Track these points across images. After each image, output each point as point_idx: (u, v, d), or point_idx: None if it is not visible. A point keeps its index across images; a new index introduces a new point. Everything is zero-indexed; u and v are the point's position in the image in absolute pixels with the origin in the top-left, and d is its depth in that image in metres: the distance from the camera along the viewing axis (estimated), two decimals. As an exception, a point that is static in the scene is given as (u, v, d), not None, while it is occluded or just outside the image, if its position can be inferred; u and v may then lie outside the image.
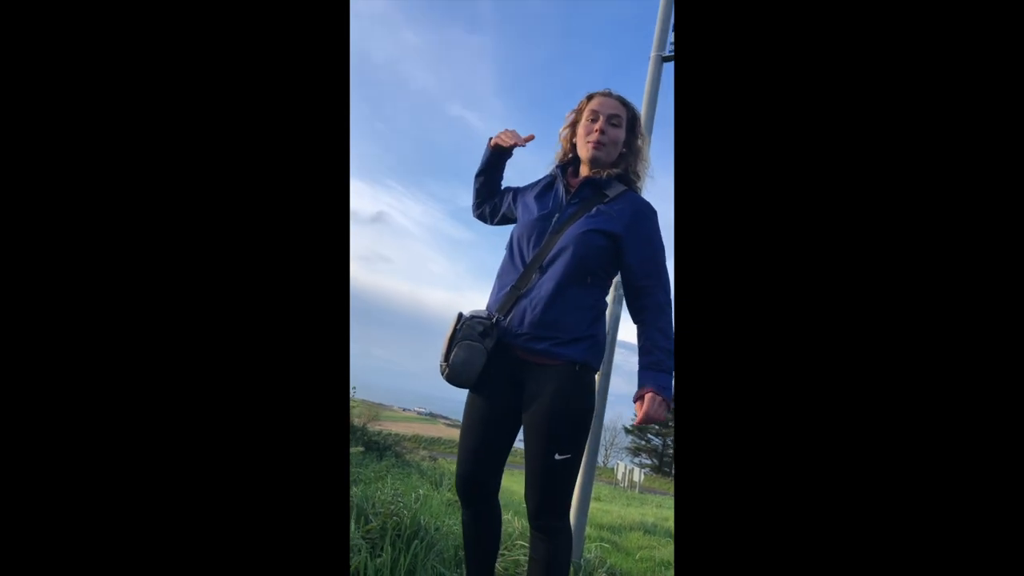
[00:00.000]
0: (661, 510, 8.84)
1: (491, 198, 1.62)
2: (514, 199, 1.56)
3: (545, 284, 1.33)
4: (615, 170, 1.43)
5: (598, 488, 13.95)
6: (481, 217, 1.64)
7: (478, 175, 1.60)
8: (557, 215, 1.40)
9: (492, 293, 1.43)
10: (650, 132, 2.91)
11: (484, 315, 1.37)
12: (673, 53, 3.04)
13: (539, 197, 1.48)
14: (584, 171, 1.46)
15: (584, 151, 1.43)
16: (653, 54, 3.07)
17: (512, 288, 1.36)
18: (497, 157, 1.56)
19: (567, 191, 1.44)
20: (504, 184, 1.63)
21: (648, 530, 5.67)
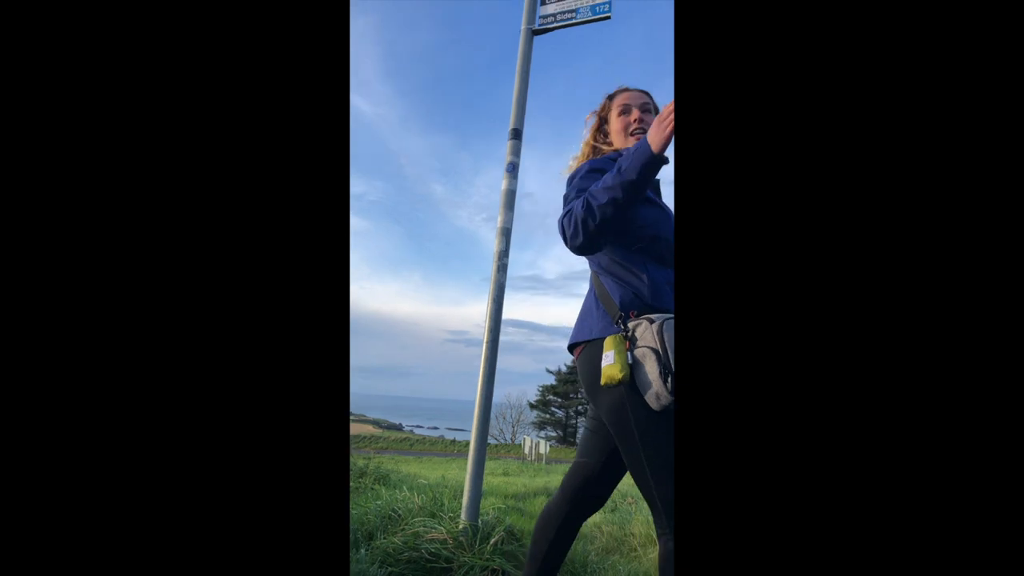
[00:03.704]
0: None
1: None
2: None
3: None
4: None
5: (507, 464, 14.25)
6: (596, 247, 1.19)
7: (627, 197, 1.09)
8: (664, 208, 1.33)
9: (659, 294, 1.21)
10: (523, 107, 2.98)
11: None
12: (542, 26, 3.10)
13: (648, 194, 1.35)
14: None
15: (630, 144, 1.35)
16: (523, 27, 3.12)
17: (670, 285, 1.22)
18: (657, 166, 1.09)
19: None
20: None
21: (551, 494, 5.90)
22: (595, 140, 1.42)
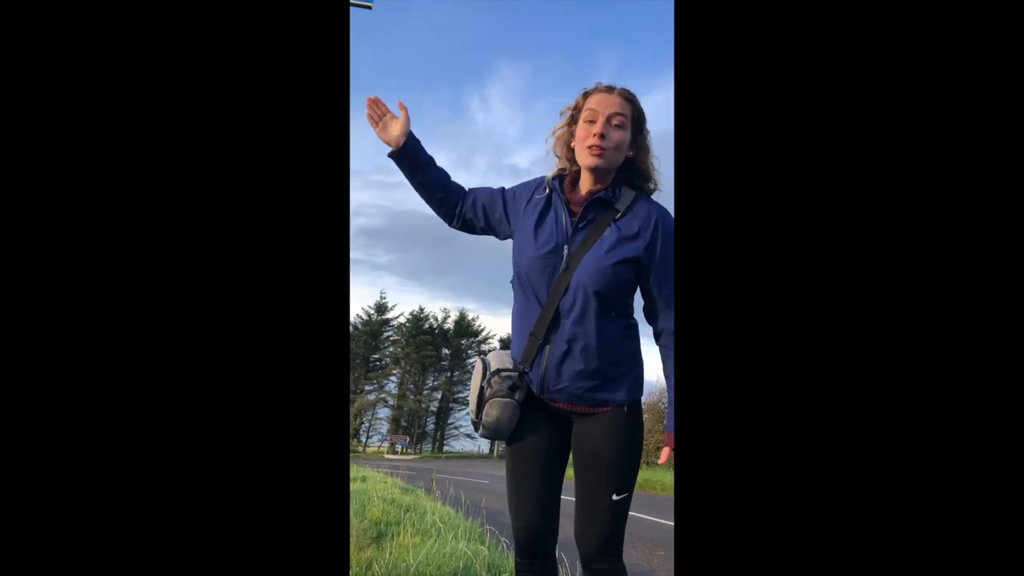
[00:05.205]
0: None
1: (452, 198, 1.39)
2: (507, 213, 1.34)
3: (569, 331, 1.21)
4: (619, 178, 1.26)
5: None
6: (466, 227, 1.41)
7: (417, 190, 1.38)
8: (566, 247, 1.23)
9: (514, 337, 1.31)
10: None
11: (511, 368, 1.28)
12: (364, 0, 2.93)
13: (540, 223, 1.27)
14: (586, 181, 1.26)
15: (583, 158, 1.22)
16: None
17: (532, 336, 1.25)
18: (403, 159, 1.34)
19: (570, 212, 1.25)
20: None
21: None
22: (568, 137, 1.29)
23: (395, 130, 1.30)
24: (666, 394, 1.29)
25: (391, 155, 1.32)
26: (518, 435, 1.27)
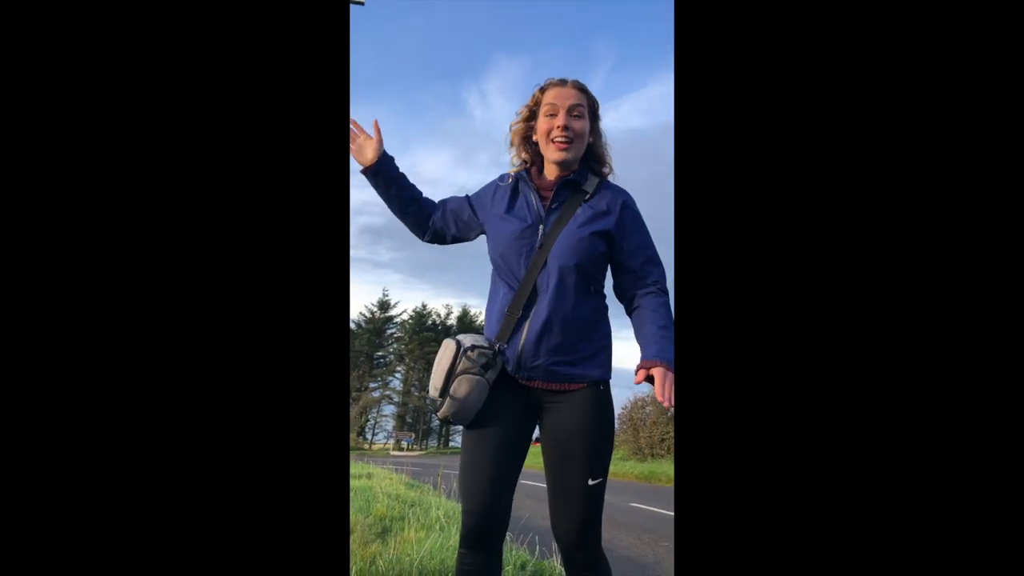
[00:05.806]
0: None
1: (424, 212, 1.39)
2: (474, 211, 1.37)
3: (548, 306, 1.22)
4: (582, 164, 1.31)
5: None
6: (437, 238, 1.41)
7: (390, 205, 1.38)
8: (541, 226, 1.26)
9: (488, 318, 1.30)
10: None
11: (486, 345, 1.22)
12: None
13: (511, 208, 1.31)
14: (551, 170, 1.31)
15: (550, 151, 1.27)
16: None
17: (509, 313, 1.24)
18: (376, 175, 1.34)
19: (540, 196, 1.30)
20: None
21: None
22: (527, 132, 1.34)
23: (369, 152, 1.32)
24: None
25: (364, 171, 1.34)
26: (481, 417, 1.23)
